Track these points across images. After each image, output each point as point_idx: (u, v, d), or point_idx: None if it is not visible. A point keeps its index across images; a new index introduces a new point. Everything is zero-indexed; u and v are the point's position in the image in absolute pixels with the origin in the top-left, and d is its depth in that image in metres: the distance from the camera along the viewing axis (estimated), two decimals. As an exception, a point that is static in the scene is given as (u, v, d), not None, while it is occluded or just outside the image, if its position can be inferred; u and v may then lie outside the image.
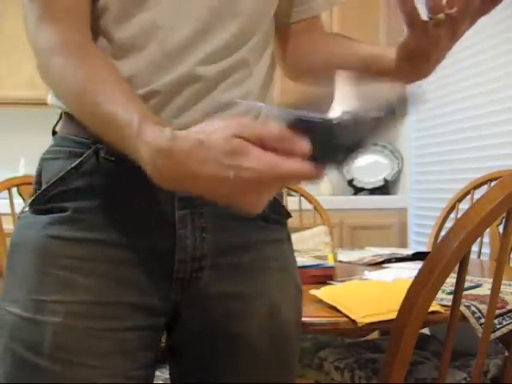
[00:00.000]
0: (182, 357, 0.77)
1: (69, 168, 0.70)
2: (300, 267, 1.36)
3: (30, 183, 1.39)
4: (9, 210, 1.97)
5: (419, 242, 3.20)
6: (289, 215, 0.85)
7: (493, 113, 2.58)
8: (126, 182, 0.69)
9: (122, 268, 0.69)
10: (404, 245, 3.23)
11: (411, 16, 0.68)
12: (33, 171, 0.76)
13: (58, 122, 0.78)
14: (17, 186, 1.97)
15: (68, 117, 0.73)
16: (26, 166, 3.19)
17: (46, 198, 0.70)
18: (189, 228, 0.71)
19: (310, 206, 2.47)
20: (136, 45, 0.69)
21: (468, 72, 2.74)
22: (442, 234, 2.13)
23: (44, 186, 0.71)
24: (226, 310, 0.75)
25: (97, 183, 0.70)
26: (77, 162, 0.70)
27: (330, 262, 1.44)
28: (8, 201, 2.00)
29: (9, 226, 1.67)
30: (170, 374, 0.82)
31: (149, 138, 0.55)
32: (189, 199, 0.70)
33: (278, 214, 0.81)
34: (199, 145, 0.52)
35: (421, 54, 0.72)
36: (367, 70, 0.82)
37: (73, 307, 0.67)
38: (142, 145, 0.56)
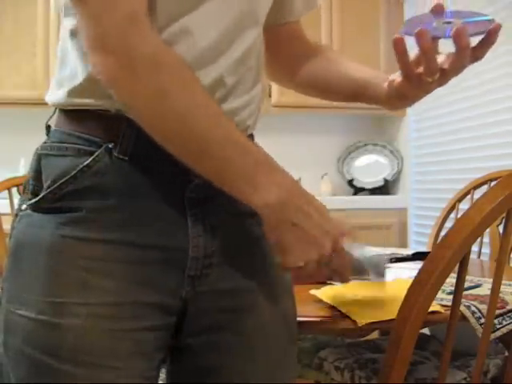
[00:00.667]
0: (186, 355, 0.76)
1: (81, 166, 0.68)
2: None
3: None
4: (9, 210, 1.97)
5: (419, 241, 3.20)
6: None
7: (492, 113, 2.58)
8: (140, 182, 0.69)
9: (138, 268, 0.69)
10: (404, 245, 3.23)
11: (407, 69, 0.78)
12: (33, 171, 0.75)
13: (51, 116, 0.76)
14: (17, 186, 1.97)
15: (71, 113, 0.72)
16: (25, 166, 3.19)
17: (56, 196, 0.69)
18: (200, 226, 0.72)
19: (309, 206, 2.47)
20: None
21: (468, 72, 2.73)
22: (442, 233, 2.13)
23: (48, 184, 0.70)
24: (235, 304, 0.76)
25: (110, 182, 0.69)
26: (89, 160, 0.68)
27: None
28: (8, 201, 2.00)
29: (9, 226, 1.67)
30: (168, 373, 0.81)
31: (279, 179, 0.67)
32: (198, 199, 0.72)
33: None
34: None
35: (411, 96, 0.83)
36: (359, 96, 0.90)
37: (93, 309, 0.66)
38: (271, 185, 0.65)
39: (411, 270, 1.48)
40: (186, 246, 0.71)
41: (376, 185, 3.48)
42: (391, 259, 1.69)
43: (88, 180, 0.68)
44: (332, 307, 1.07)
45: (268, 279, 0.80)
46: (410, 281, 0.86)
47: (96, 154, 0.69)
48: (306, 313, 1.07)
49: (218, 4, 0.70)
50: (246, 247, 0.78)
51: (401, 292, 0.85)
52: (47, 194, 0.69)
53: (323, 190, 3.31)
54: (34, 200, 0.71)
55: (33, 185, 0.72)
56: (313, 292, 1.15)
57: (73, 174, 0.68)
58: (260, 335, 0.78)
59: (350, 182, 3.51)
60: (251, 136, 0.81)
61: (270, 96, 3.15)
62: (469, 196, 2.11)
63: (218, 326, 0.75)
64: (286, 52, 0.96)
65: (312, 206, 0.68)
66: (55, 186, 0.69)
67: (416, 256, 1.71)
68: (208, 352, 0.75)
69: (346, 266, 0.71)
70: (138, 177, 0.69)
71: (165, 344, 0.73)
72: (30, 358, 0.66)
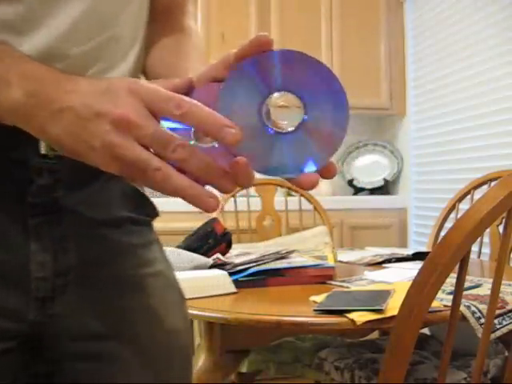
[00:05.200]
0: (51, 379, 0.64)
1: None
2: (300, 267, 1.38)
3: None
4: None
5: (419, 241, 3.20)
6: (157, 214, 0.74)
7: (493, 113, 2.58)
8: None
9: None
10: (404, 245, 3.23)
11: None
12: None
13: None
14: None
15: None
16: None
17: None
18: (45, 239, 0.59)
19: (309, 206, 2.47)
20: None
21: (468, 72, 2.74)
22: (442, 233, 2.13)
23: None
24: (105, 328, 0.63)
25: None
26: None
27: (330, 262, 1.44)
28: None
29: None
30: None
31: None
32: (44, 205, 0.58)
33: (145, 215, 0.71)
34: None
35: None
36: None
37: None
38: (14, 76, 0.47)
39: (411, 270, 1.49)
40: (25, 263, 0.58)
41: (376, 185, 3.48)
42: (391, 259, 1.69)
43: None
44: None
45: (143, 296, 0.66)
46: (410, 283, 0.86)
47: None
48: (307, 313, 1.07)
49: None
50: (110, 261, 0.64)
51: (401, 292, 0.85)
52: None
53: (323, 190, 3.31)
54: None
55: None
56: (312, 298, 1.16)
57: None
58: (139, 362, 0.64)
59: (350, 182, 3.51)
60: None
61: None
62: (469, 196, 2.11)
63: (87, 354, 0.62)
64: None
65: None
66: None
67: (416, 256, 1.72)
68: (76, 376, 0.63)
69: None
70: None
71: (9, 371, 0.60)
72: None
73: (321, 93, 0.48)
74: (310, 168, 0.48)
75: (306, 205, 2.47)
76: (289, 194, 2.68)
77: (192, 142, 0.48)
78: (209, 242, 1.45)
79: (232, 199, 2.43)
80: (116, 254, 0.65)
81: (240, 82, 0.48)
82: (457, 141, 2.87)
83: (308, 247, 1.81)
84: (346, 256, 1.82)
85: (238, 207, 2.44)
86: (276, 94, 0.48)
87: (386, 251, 1.86)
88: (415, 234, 3.29)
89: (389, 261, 1.69)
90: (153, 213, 0.73)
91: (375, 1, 3.34)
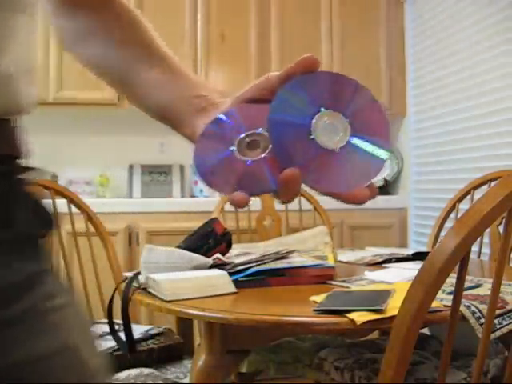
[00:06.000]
0: None
1: None
2: (300, 267, 1.38)
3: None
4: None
5: (419, 242, 3.20)
6: (51, 227, 0.55)
7: (492, 113, 2.58)
8: None
9: None
10: (404, 245, 3.23)
11: None
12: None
13: None
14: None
15: None
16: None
17: None
18: None
19: (309, 206, 2.47)
20: None
21: (468, 72, 2.74)
22: (443, 234, 2.13)
23: None
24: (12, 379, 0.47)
25: None
26: None
27: (330, 262, 1.44)
28: None
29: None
30: None
31: None
32: None
33: (36, 228, 0.53)
34: None
35: None
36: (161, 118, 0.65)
37: None
38: None
39: (411, 270, 1.48)
40: None
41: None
42: (391, 259, 1.69)
43: None
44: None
45: (52, 333, 0.50)
46: (410, 283, 0.86)
47: None
48: (307, 313, 1.07)
49: None
50: (6, 298, 0.47)
51: (401, 292, 0.85)
52: None
53: None
54: None
55: None
56: (313, 298, 1.16)
57: None
58: None
59: (350, 182, 3.50)
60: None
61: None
62: (469, 196, 2.11)
63: None
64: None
65: None
66: None
67: (416, 256, 1.71)
68: None
69: None
70: None
71: None
72: None
73: (366, 116, 0.53)
74: (359, 185, 0.52)
75: (306, 205, 2.47)
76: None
77: (232, 148, 0.53)
78: (209, 242, 1.44)
79: (232, 199, 2.43)
80: (8, 293, 0.48)
81: (289, 101, 0.51)
82: (457, 141, 2.87)
83: (308, 247, 1.81)
84: (346, 256, 1.82)
85: (238, 207, 2.44)
86: (324, 112, 0.51)
87: (386, 251, 1.86)
88: (415, 234, 3.29)
89: (389, 261, 1.69)
90: (47, 226, 0.55)
91: (375, 1, 3.34)
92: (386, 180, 3.46)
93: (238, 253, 1.52)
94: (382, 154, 0.52)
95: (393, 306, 1.01)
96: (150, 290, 1.27)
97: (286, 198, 0.49)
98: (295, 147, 0.49)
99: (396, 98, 3.36)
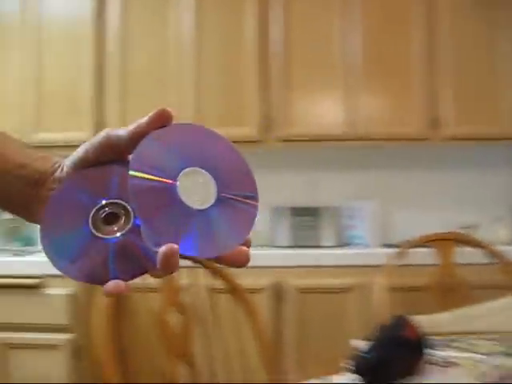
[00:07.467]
0: None
1: None
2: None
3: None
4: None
5: None
6: None
7: None
8: None
9: None
10: None
11: None
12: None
13: None
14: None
15: None
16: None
17: None
18: None
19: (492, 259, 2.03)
20: None
21: None
22: None
23: None
24: None
25: None
26: None
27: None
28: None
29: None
30: None
31: None
32: None
33: None
34: None
35: None
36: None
37: None
38: None
39: None
40: None
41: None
42: None
43: None
44: None
45: None
46: None
47: None
48: None
49: None
50: None
51: None
52: None
53: (500, 237, 2.79)
54: None
55: None
56: None
57: None
58: None
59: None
60: None
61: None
62: None
63: None
64: None
65: None
66: None
67: None
68: None
69: None
70: None
71: None
72: None
73: (230, 170, 0.49)
74: (237, 242, 0.47)
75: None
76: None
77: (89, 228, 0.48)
78: (401, 353, 1.12)
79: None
80: None
81: (150, 162, 0.46)
82: None
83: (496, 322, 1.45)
84: None
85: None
86: (186, 170, 0.47)
87: None
88: None
89: None
90: None
91: None
92: None
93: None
94: (251, 204, 0.49)
95: None
96: None
97: (166, 274, 0.45)
98: (165, 215, 0.44)
99: None
